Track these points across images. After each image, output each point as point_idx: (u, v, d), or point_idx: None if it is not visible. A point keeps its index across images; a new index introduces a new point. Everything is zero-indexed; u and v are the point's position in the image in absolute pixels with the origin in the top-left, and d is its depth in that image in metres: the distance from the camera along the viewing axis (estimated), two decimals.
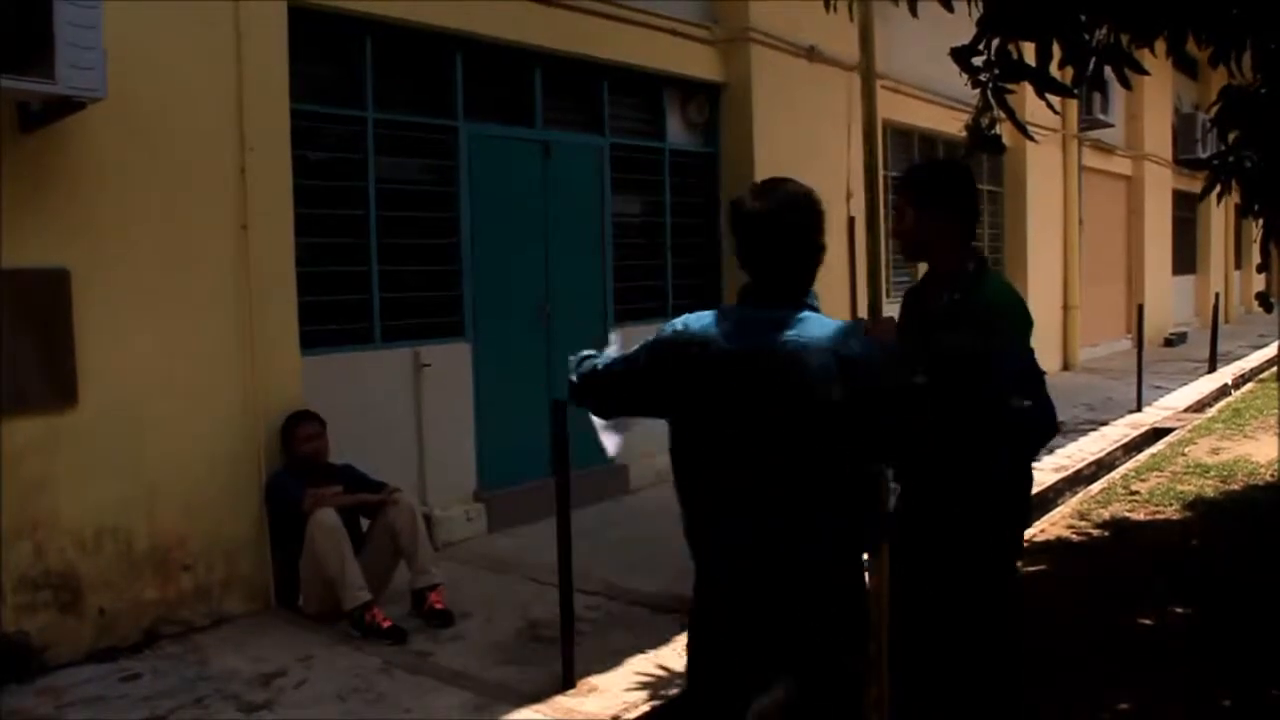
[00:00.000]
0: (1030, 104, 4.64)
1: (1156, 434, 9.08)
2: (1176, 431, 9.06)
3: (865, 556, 2.36)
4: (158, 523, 4.35)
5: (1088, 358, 13.95)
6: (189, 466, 4.45)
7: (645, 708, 3.63)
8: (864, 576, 2.27)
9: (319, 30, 5.24)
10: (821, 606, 2.12)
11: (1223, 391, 11.56)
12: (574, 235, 6.66)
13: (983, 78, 4.11)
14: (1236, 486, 6.93)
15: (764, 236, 2.17)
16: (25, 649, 3.96)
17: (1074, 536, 5.84)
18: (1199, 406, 10.55)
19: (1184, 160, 16.75)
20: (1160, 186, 16.99)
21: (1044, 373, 2.76)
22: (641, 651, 4.10)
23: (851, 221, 7.63)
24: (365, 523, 4.72)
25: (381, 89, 5.59)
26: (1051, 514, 6.38)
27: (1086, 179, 13.99)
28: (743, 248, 2.22)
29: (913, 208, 2.81)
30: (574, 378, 2.38)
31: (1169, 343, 16.33)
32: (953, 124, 7.46)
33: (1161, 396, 10.84)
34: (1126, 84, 4.24)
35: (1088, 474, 7.62)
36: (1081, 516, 6.26)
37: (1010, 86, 4.13)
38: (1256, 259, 6.62)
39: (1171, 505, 6.45)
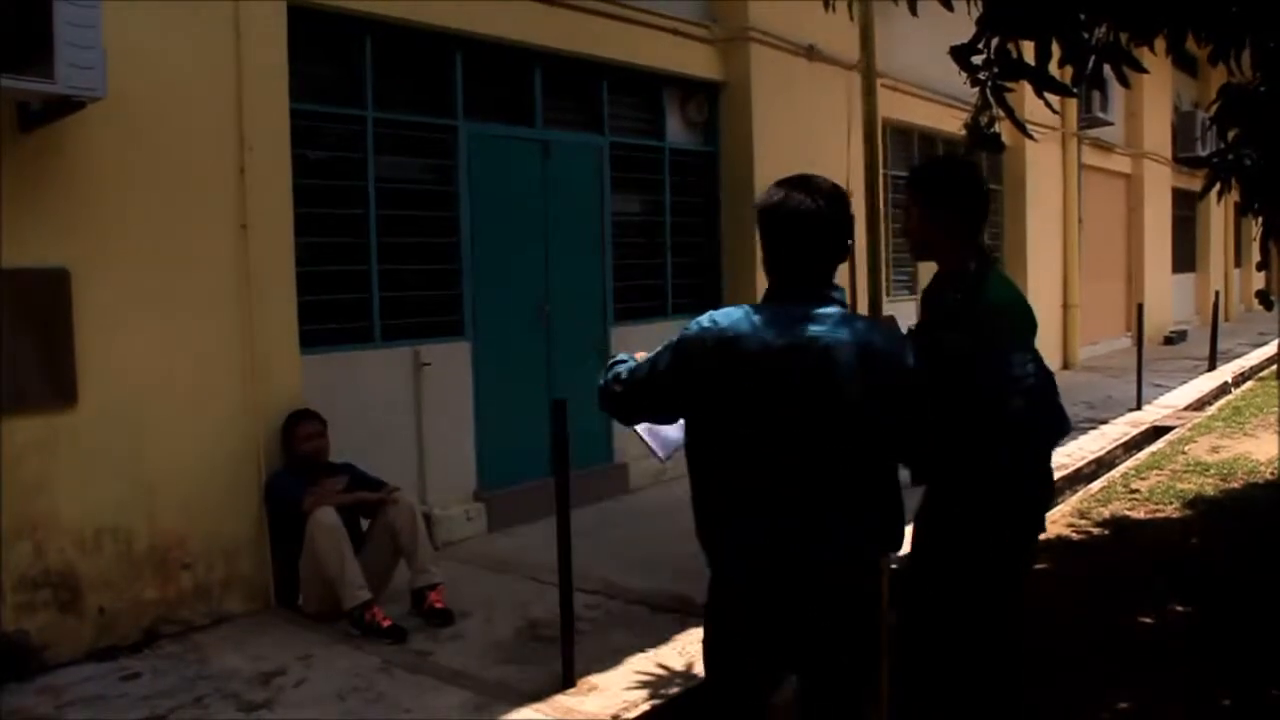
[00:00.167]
0: (1030, 102, 4.63)
1: (1156, 432, 9.07)
2: (1176, 430, 9.05)
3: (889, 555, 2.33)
4: (157, 522, 4.35)
5: (1087, 356, 13.96)
6: (189, 466, 4.45)
7: (645, 707, 3.63)
8: (879, 578, 2.25)
9: (319, 30, 5.24)
10: (832, 607, 2.12)
11: (1223, 389, 11.55)
12: (574, 235, 6.66)
13: (982, 76, 4.10)
14: (1236, 485, 6.92)
15: (817, 233, 2.16)
16: (25, 648, 3.97)
17: (1074, 535, 5.84)
18: (1199, 404, 10.54)
19: (1184, 158, 16.76)
20: (1160, 184, 16.98)
21: (1051, 373, 2.76)
22: (641, 650, 4.09)
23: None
24: (365, 522, 4.72)
25: (381, 88, 5.59)
26: (1051, 513, 6.37)
27: (1086, 177, 13.99)
28: (785, 245, 2.17)
29: (917, 206, 2.81)
30: (600, 382, 2.35)
31: (1169, 341, 16.33)
32: (952, 122, 7.46)
33: (1161, 394, 10.83)
34: (1126, 82, 4.24)
35: (1088, 472, 7.62)
36: (1081, 515, 6.26)
37: (1009, 85, 4.12)
38: (1256, 257, 6.60)
39: (1171, 503, 6.44)
